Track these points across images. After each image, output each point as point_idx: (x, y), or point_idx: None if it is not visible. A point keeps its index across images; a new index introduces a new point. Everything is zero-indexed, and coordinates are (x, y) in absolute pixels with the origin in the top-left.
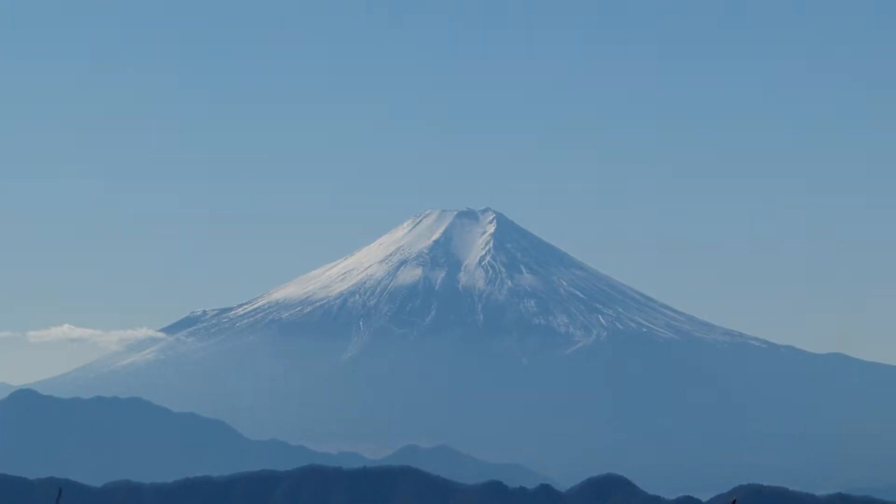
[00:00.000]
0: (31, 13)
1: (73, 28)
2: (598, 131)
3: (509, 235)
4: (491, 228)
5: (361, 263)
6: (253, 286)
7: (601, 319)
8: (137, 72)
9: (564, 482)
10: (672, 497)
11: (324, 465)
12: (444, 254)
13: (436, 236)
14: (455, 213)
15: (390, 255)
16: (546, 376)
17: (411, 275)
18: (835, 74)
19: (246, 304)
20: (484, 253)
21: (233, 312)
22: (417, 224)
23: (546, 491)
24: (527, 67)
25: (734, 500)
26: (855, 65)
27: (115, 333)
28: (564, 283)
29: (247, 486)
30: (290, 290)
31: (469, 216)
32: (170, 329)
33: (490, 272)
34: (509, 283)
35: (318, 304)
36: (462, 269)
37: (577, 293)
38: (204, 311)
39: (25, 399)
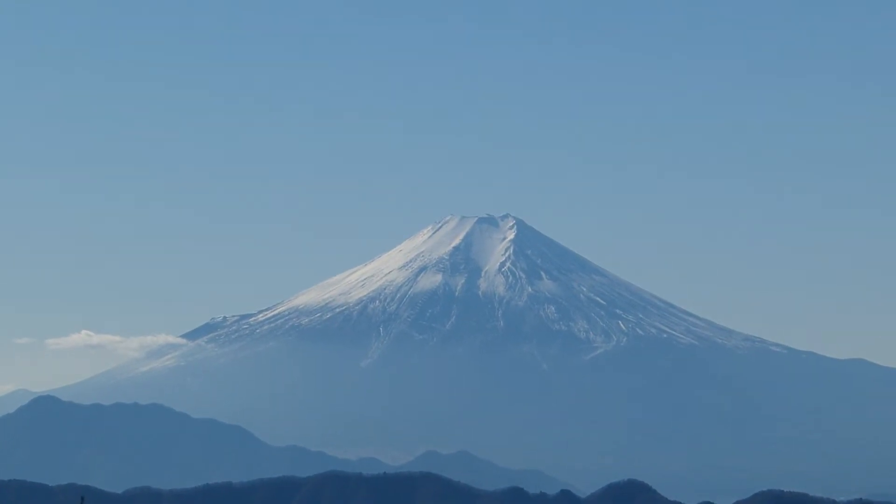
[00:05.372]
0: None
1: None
2: (617, 137)
3: (529, 241)
4: (511, 234)
5: (381, 269)
6: (273, 292)
7: (621, 325)
8: (159, 75)
9: (585, 488)
10: (693, 503)
11: (344, 472)
12: (464, 260)
13: (456, 242)
14: (475, 219)
15: (410, 261)
16: (566, 382)
17: (431, 281)
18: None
19: (266, 310)
20: (504, 259)
21: (253, 319)
22: (437, 230)
23: (566, 497)
24: (546, 73)
25: None
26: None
27: (135, 340)
28: (584, 289)
29: (267, 492)
30: (310, 297)
31: (489, 222)
32: (190, 335)
33: (510, 278)
34: (529, 289)
35: (337, 310)
36: (482, 275)
37: (598, 299)
38: (224, 318)
39: (46, 406)
